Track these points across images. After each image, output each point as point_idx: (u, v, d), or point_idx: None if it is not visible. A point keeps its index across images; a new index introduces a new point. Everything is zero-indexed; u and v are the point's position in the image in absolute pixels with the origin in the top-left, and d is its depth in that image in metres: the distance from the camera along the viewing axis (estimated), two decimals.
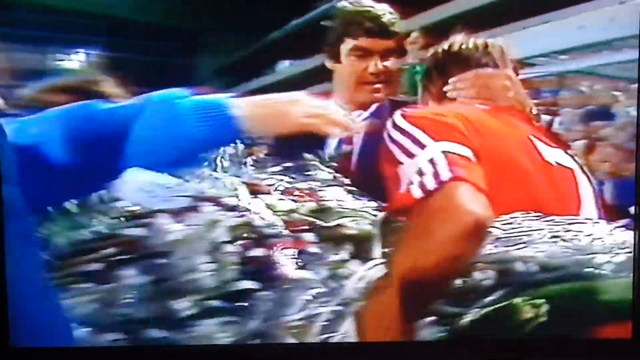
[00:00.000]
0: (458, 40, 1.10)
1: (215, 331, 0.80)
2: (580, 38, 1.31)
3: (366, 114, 1.38)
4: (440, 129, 0.84)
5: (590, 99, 1.41)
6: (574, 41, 1.33)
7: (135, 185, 0.90)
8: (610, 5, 1.24)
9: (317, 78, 1.44)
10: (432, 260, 0.74)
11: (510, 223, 0.80)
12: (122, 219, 0.88)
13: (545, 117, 1.20)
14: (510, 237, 0.80)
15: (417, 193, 0.78)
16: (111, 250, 0.87)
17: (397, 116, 0.92)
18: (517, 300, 0.77)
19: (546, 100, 1.31)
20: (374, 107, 1.39)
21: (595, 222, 0.87)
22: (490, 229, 0.78)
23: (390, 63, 1.34)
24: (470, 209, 0.73)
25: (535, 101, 1.26)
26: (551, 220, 0.81)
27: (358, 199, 0.93)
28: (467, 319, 0.78)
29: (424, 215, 0.75)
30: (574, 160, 0.98)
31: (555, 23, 1.30)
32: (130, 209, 0.90)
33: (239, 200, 0.87)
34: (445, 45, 1.10)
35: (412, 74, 1.59)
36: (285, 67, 1.67)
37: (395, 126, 0.89)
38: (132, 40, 1.65)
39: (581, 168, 0.97)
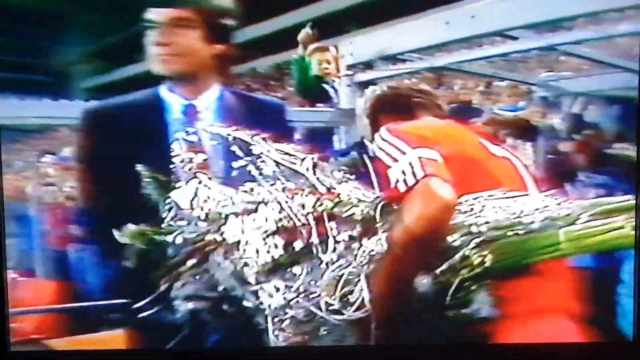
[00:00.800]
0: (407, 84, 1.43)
1: (273, 289, 1.14)
2: (447, 34, 1.38)
3: (207, 102, 1.32)
4: (415, 139, 1.13)
5: (458, 95, 1.50)
6: (442, 37, 1.39)
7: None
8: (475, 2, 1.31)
9: None
10: (418, 231, 1.04)
11: (470, 201, 1.12)
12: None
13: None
14: (469, 210, 1.11)
15: (402, 188, 1.08)
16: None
17: (383, 131, 1.18)
18: (471, 251, 1.07)
19: None
20: (215, 94, 1.33)
21: (527, 195, 1.16)
22: (456, 207, 1.09)
23: (185, 37, 1.28)
24: (439, 194, 1.05)
25: None
26: (497, 195, 1.13)
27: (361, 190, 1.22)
28: (443, 269, 1.07)
29: (409, 202, 1.07)
30: (507, 150, 1.28)
31: (425, 19, 1.35)
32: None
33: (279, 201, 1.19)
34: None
35: (302, 66, 1.57)
36: None
37: (383, 139, 1.16)
38: None
39: (513, 155, 1.26)
